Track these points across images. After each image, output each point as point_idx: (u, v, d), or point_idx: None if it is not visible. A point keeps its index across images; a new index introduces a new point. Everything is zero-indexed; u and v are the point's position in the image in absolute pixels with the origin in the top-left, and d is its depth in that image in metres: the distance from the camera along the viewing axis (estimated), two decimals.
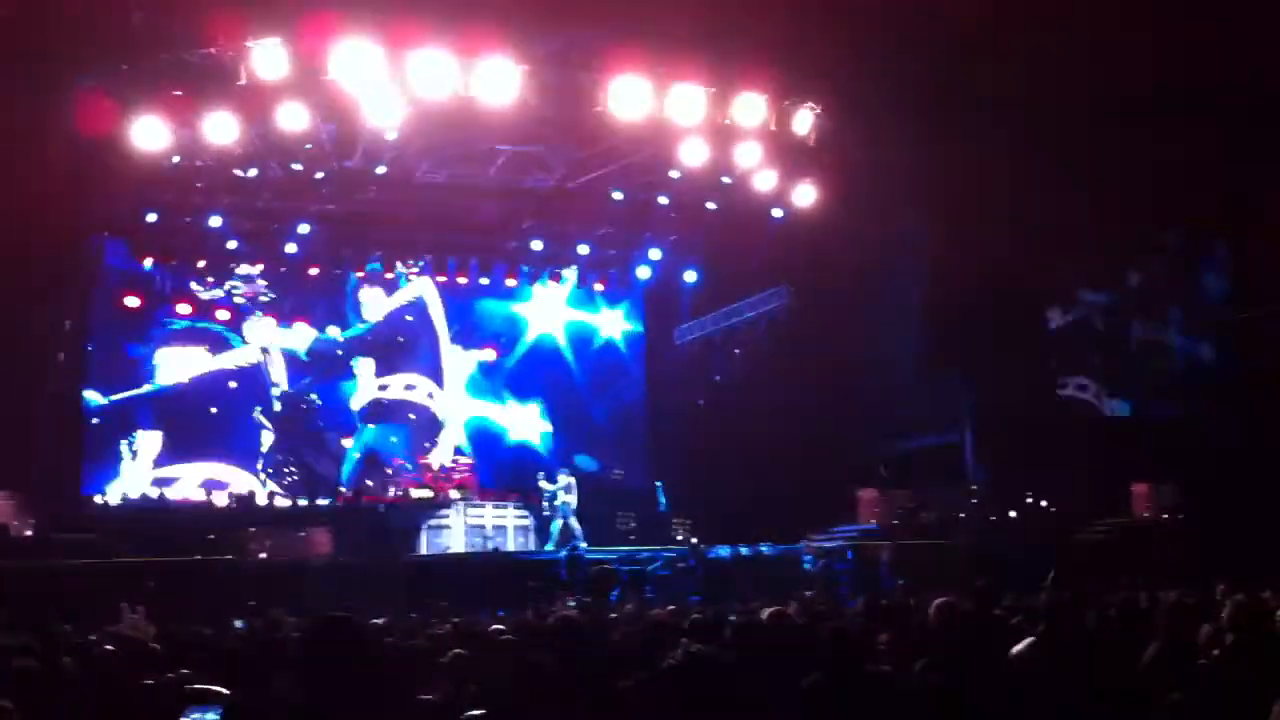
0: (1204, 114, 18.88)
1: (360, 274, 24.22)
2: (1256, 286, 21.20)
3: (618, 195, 21.64)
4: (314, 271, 23.76)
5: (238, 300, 23.61)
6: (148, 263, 22.45)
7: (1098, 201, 20.82)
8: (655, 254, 24.71)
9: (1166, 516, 20.60)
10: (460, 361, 25.34)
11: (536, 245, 23.99)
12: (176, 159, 18.36)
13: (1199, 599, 8.55)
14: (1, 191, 15.73)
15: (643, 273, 25.48)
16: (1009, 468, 22.21)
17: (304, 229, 22.20)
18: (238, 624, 10.79)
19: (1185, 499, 20.56)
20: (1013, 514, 21.91)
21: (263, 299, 23.78)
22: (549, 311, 26.25)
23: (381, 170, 20.15)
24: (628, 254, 25.12)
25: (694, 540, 19.25)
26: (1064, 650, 6.33)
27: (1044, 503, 22.01)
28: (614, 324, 26.78)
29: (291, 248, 22.59)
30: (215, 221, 21.44)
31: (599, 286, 25.99)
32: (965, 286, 20.67)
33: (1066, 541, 19.74)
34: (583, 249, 24.32)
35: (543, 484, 21.01)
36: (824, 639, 5.92)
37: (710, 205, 21.87)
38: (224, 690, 5.88)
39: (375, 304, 24.72)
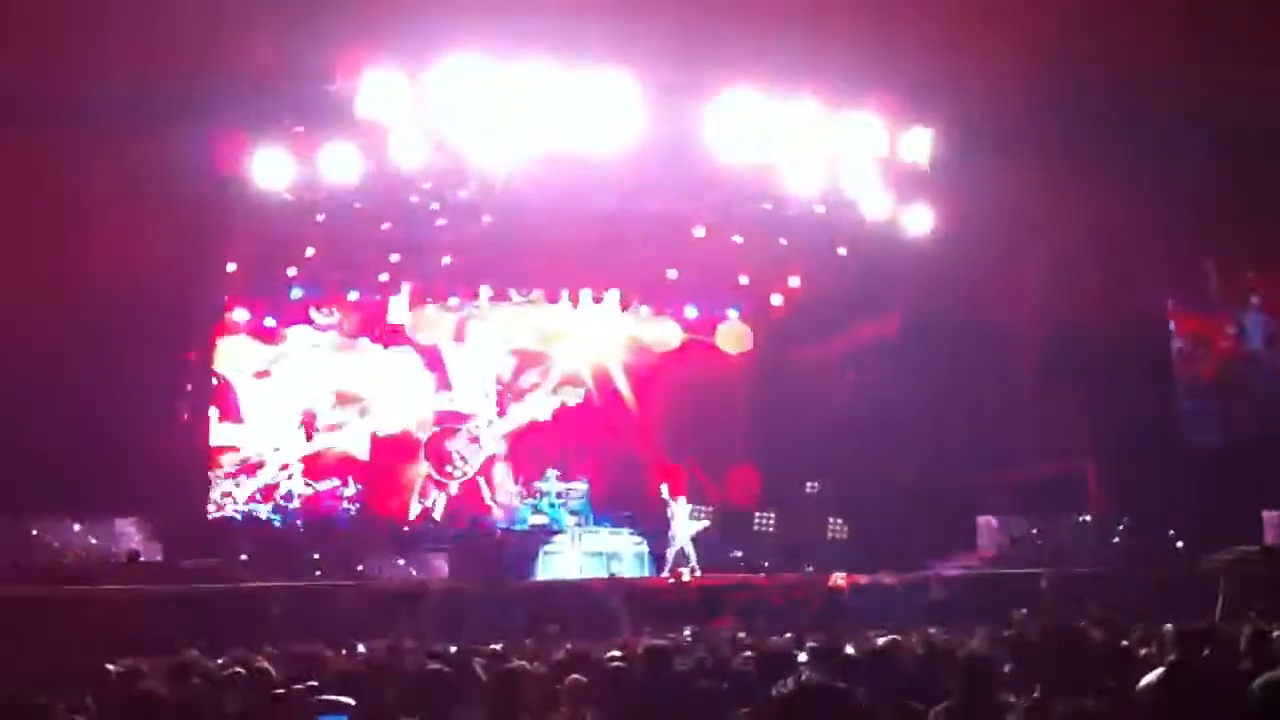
0: None
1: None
2: None
3: (730, 220, 21.59)
4: (430, 301, 24.14)
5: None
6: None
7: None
8: (767, 278, 24.54)
9: None
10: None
11: (669, 273, 24.05)
12: (291, 195, 18.85)
13: None
14: (130, 228, 16.31)
15: (767, 298, 25.30)
16: (1132, 494, 21.72)
17: (417, 259, 22.60)
18: (360, 648, 10.95)
19: None
20: (1133, 540, 21.42)
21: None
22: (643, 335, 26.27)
23: (496, 200, 20.35)
24: (738, 279, 24.98)
25: (809, 569, 19.10)
26: (1192, 683, 6.15)
27: (1171, 531, 21.46)
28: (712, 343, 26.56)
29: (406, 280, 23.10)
30: (333, 255, 21.98)
31: (712, 313, 25.84)
32: (1083, 311, 20.32)
33: (1194, 570, 19.22)
34: (692, 275, 24.26)
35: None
36: (957, 667, 5.84)
37: (823, 229, 21.70)
38: (351, 701, 6.01)
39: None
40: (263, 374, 23.36)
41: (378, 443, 23.99)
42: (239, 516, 22.46)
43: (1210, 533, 20.62)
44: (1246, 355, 23.22)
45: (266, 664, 7.67)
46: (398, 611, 15.53)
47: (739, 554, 21.62)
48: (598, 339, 25.65)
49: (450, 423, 24.39)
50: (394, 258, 22.58)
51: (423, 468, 24.20)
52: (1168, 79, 18.08)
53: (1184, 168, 19.00)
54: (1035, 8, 16.79)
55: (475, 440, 24.46)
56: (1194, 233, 20.58)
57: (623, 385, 25.66)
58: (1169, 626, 7.07)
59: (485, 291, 24.26)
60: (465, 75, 16.59)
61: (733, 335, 25.70)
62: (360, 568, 18.95)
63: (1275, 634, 6.93)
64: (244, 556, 18.39)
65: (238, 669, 7.55)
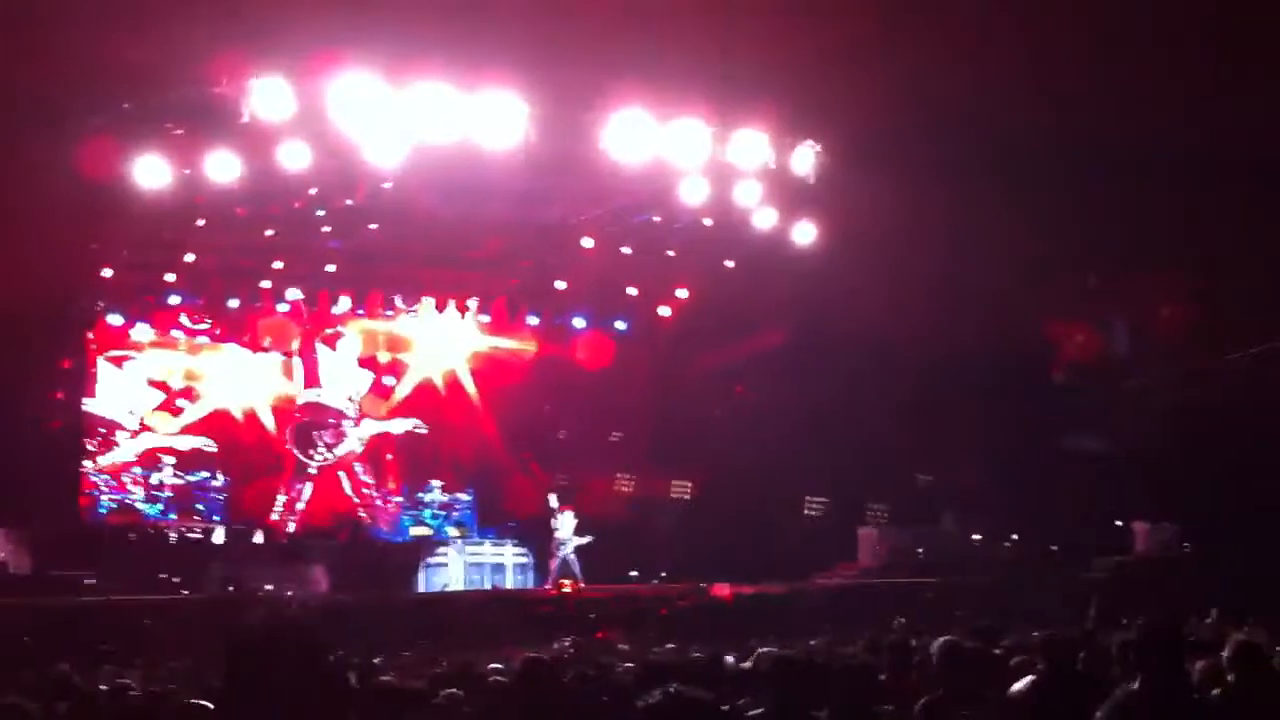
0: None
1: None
2: None
3: (620, 232, 21.64)
4: (314, 308, 23.72)
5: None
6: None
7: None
8: (655, 289, 24.57)
9: (1167, 554, 20.61)
10: None
11: (557, 284, 24.02)
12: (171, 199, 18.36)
13: (1195, 635, 8.46)
14: (4, 233, 15.83)
15: (654, 310, 25.23)
16: (1009, 505, 22.20)
17: (300, 266, 22.25)
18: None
19: (1185, 536, 20.56)
20: (1011, 549, 21.92)
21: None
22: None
23: (383, 207, 20.13)
24: (626, 290, 24.92)
25: (701, 586, 19.20)
26: (1062, 689, 6.32)
27: (1053, 546, 21.98)
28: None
29: (294, 293, 22.69)
30: (214, 261, 21.51)
31: (620, 325, 25.74)
32: (965, 323, 20.72)
33: (1068, 579, 19.69)
34: (580, 285, 24.20)
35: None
36: (832, 678, 5.90)
37: (710, 242, 21.80)
38: (210, 705, 5.89)
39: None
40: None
41: (245, 436, 23.48)
42: (115, 506, 22.05)
43: (1086, 541, 21.19)
44: (1119, 364, 23.89)
45: (130, 680, 7.45)
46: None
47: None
48: (468, 348, 25.38)
49: (316, 414, 23.88)
50: (277, 265, 22.19)
51: (288, 451, 23.62)
52: (1044, 96, 18.58)
53: (1063, 181, 19.52)
54: (917, 30, 17.15)
55: (339, 431, 24.01)
56: (1073, 243, 21.12)
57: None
58: (1037, 634, 7.21)
59: (358, 299, 23.89)
60: (354, 83, 16.35)
61: (589, 348, 25.59)
62: (231, 588, 18.51)
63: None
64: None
65: (103, 686, 7.34)
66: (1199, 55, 17.84)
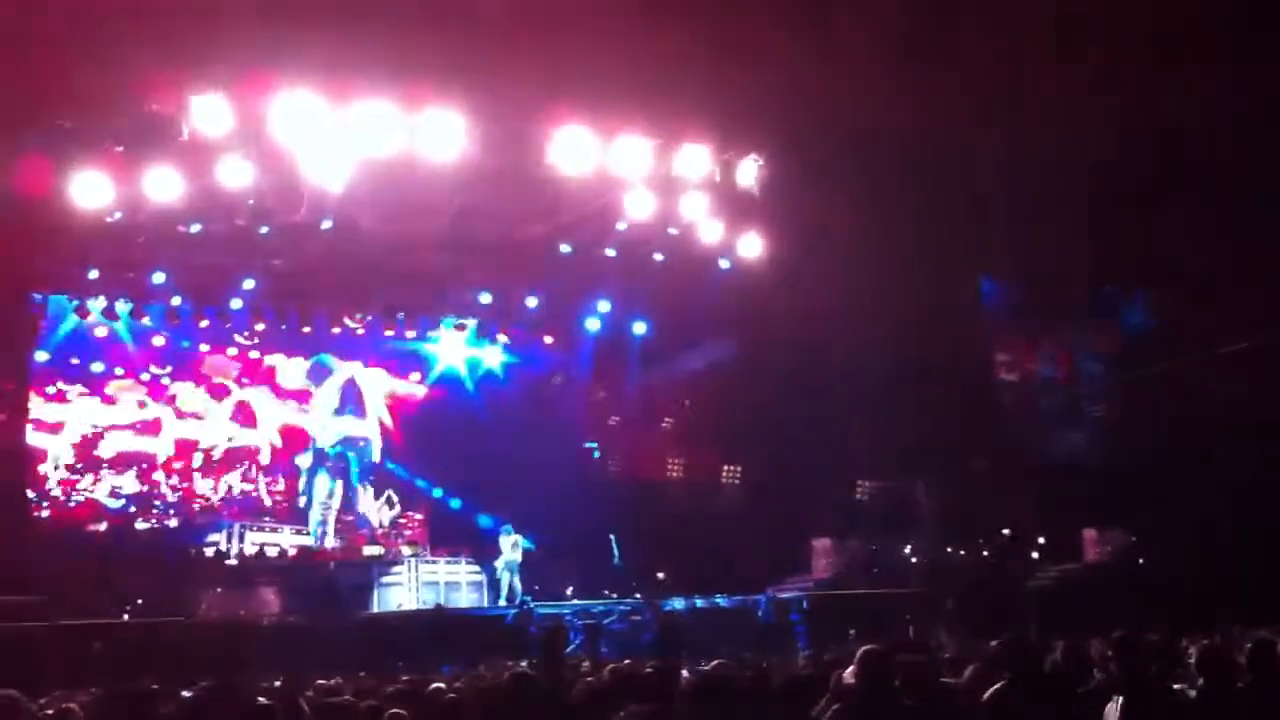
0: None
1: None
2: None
3: (565, 248, 21.57)
4: (260, 328, 23.49)
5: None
6: (90, 319, 22.08)
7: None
8: (604, 306, 24.50)
9: (1115, 561, 20.80)
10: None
11: (485, 298, 23.92)
12: (118, 215, 18.10)
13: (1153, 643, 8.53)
14: None
15: (592, 325, 25.13)
16: (960, 514, 22.33)
17: (249, 284, 21.97)
18: (185, 694, 10.47)
19: (1135, 544, 20.74)
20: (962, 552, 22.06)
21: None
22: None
23: (327, 225, 19.93)
24: (576, 306, 24.85)
25: (652, 593, 19.18)
26: (1030, 694, 6.40)
27: (1005, 536, 22.12)
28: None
29: (236, 303, 22.37)
30: (159, 278, 21.22)
31: (548, 339, 25.73)
32: (913, 335, 20.85)
33: (1018, 587, 19.84)
34: (531, 301, 24.11)
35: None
36: (775, 692, 5.91)
37: (657, 256, 21.76)
38: None
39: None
40: None
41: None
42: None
43: (1035, 549, 21.35)
44: (1071, 377, 24.15)
45: (76, 706, 7.31)
46: (228, 647, 15.08)
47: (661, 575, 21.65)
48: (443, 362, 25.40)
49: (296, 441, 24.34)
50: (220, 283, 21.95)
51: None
52: (990, 112, 18.76)
53: (1004, 197, 19.71)
54: (856, 45, 17.29)
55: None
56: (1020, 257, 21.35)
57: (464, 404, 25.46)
58: (994, 643, 7.24)
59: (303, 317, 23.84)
60: (295, 101, 16.20)
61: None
62: (198, 611, 18.30)
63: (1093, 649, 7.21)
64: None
65: (49, 711, 7.20)
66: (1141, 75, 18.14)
